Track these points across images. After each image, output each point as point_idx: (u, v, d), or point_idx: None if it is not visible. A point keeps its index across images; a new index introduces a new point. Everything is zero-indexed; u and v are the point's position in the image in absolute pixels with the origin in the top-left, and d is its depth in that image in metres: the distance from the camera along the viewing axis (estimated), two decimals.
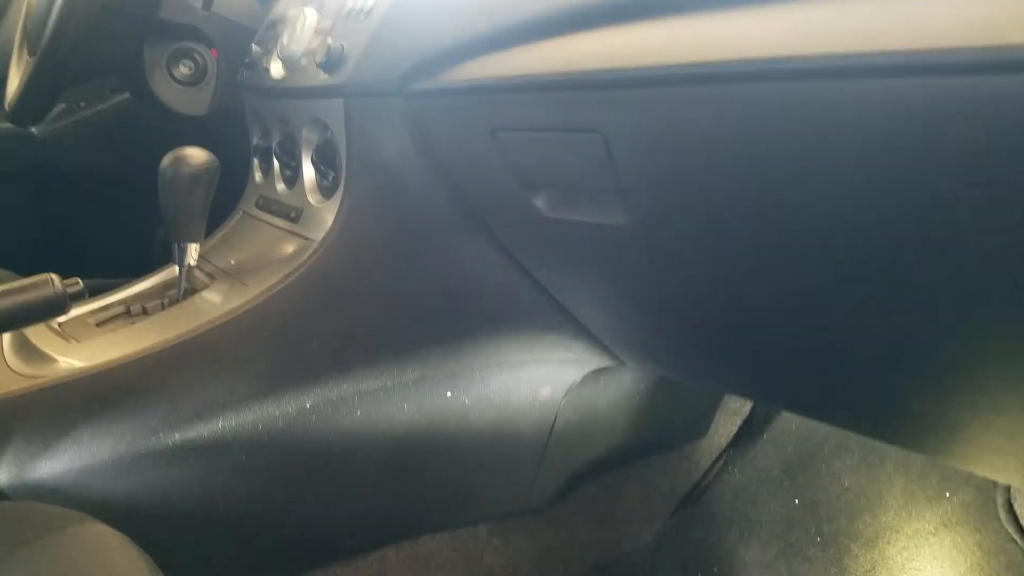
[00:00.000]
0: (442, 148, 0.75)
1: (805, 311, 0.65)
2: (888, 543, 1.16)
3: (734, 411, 1.43)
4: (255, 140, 1.02)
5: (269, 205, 0.95)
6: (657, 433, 1.25)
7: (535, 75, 0.63)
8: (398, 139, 0.76)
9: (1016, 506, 1.07)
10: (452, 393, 0.97)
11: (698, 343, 0.83)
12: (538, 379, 1.01)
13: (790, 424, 1.39)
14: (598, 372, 1.04)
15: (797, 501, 1.29)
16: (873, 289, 0.56)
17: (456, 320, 0.93)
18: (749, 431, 1.42)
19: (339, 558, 1.00)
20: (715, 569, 1.26)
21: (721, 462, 1.40)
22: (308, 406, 0.85)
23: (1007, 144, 0.39)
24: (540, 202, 0.72)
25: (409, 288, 0.88)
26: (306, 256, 0.82)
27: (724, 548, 1.28)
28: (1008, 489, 1.09)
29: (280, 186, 0.95)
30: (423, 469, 1.02)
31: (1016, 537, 1.04)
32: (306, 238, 0.85)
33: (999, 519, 1.07)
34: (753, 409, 1.45)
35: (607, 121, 0.59)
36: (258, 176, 1.02)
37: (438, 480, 1.04)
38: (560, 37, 0.62)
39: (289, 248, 0.86)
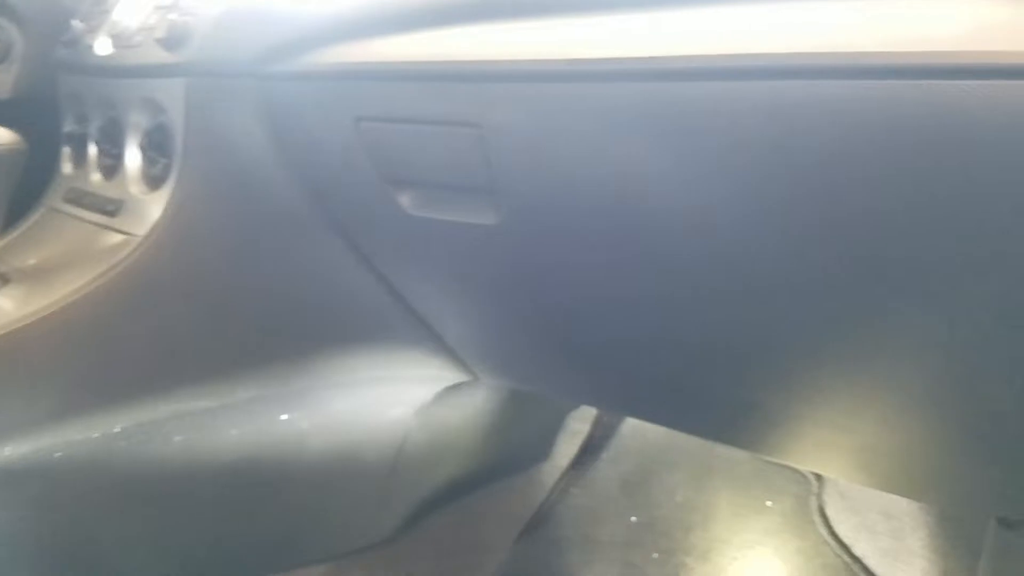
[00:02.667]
0: (297, 137, 0.68)
1: (665, 316, 0.66)
2: (720, 555, 1.21)
3: (574, 432, 1.45)
4: (68, 127, 0.89)
5: (81, 198, 0.82)
6: (503, 456, 1.23)
7: (410, 63, 0.60)
8: (246, 125, 0.69)
9: (827, 511, 1.16)
10: (289, 416, 0.89)
11: (556, 351, 0.82)
12: (388, 398, 0.95)
13: (627, 443, 1.42)
14: (450, 390, 1.00)
15: (635, 519, 1.31)
16: (731, 296, 0.58)
17: (301, 332, 0.85)
18: (589, 452, 1.44)
19: None
20: None
21: (563, 484, 1.40)
22: (117, 430, 0.74)
23: (849, 146, 0.41)
24: (404, 199, 0.68)
25: (247, 293, 0.79)
26: (124, 253, 0.71)
27: (568, 572, 1.27)
28: (820, 496, 1.18)
29: (95, 176, 0.83)
30: (252, 505, 0.92)
31: (829, 540, 1.13)
32: (126, 233, 0.74)
33: (814, 524, 1.16)
34: (592, 430, 1.47)
35: (484, 115, 0.57)
36: (68, 167, 0.89)
37: (271, 518, 0.94)
38: (438, 28, 0.59)
39: (103, 245, 0.75)
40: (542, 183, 0.58)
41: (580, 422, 1.45)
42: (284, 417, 0.89)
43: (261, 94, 0.67)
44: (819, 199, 0.45)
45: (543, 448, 1.34)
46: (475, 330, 0.86)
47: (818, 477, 1.20)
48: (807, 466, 0.96)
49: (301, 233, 0.76)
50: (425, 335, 0.89)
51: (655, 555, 1.25)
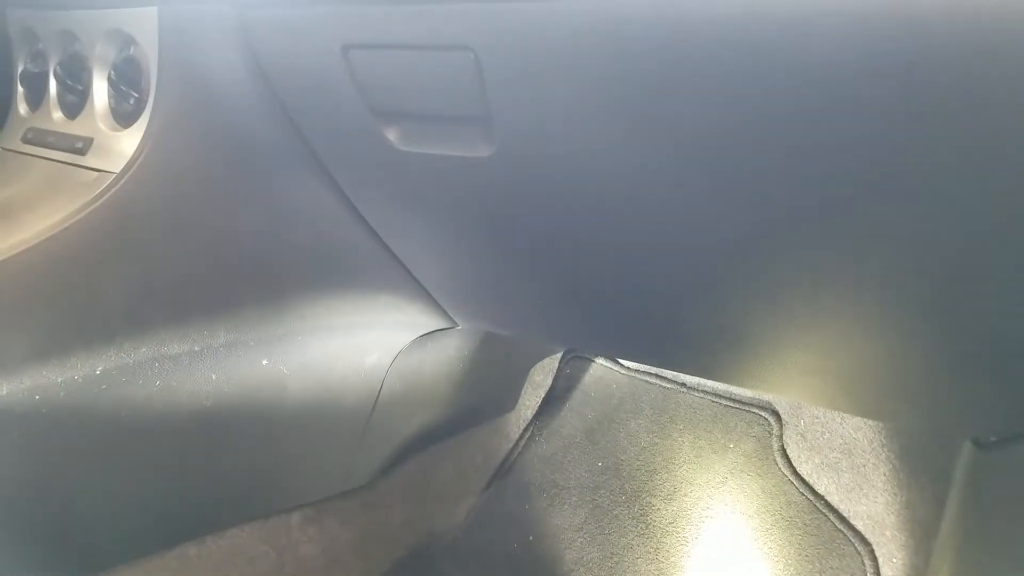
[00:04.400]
0: (280, 67, 0.67)
1: (647, 250, 0.67)
2: (684, 495, 1.25)
3: (537, 384, 1.47)
4: (22, 65, 0.84)
5: (43, 138, 0.79)
6: (473, 404, 1.24)
7: None
8: (225, 55, 0.66)
9: (788, 451, 1.21)
10: (269, 361, 0.88)
11: (539, 292, 0.83)
12: (366, 344, 0.95)
13: (589, 392, 1.45)
14: (426, 336, 1.01)
15: (600, 464, 1.35)
16: (707, 227, 0.59)
17: (281, 275, 0.83)
18: (552, 402, 1.47)
19: (130, 557, 0.85)
20: (530, 537, 1.28)
21: (528, 433, 1.43)
22: (98, 372, 0.72)
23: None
24: (393, 134, 0.67)
25: (226, 233, 0.77)
26: (100, 189, 0.69)
27: (536, 516, 1.30)
28: (781, 437, 1.23)
29: (58, 115, 0.80)
30: (233, 450, 0.91)
31: (791, 478, 1.18)
32: (99, 171, 0.71)
33: (776, 464, 1.21)
34: (554, 382, 1.49)
35: (479, 37, 0.56)
36: (23, 108, 0.85)
37: (250, 463, 0.93)
38: None
39: (75, 182, 0.72)
40: (539, 109, 0.58)
41: (543, 375, 1.48)
42: (265, 362, 0.87)
43: (240, 22, 0.65)
44: (792, 123, 0.46)
45: (510, 398, 1.36)
46: (457, 273, 0.86)
47: (778, 419, 1.25)
48: (778, 392, 0.99)
49: (283, 171, 0.74)
50: (405, 280, 0.89)
51: (622, 497, 1.29)
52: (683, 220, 0.61)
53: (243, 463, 0.92)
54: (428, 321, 0.97)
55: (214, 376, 0.83)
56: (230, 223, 0.76)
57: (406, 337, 0.98)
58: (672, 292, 0.72)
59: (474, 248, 0.78)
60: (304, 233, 0.81)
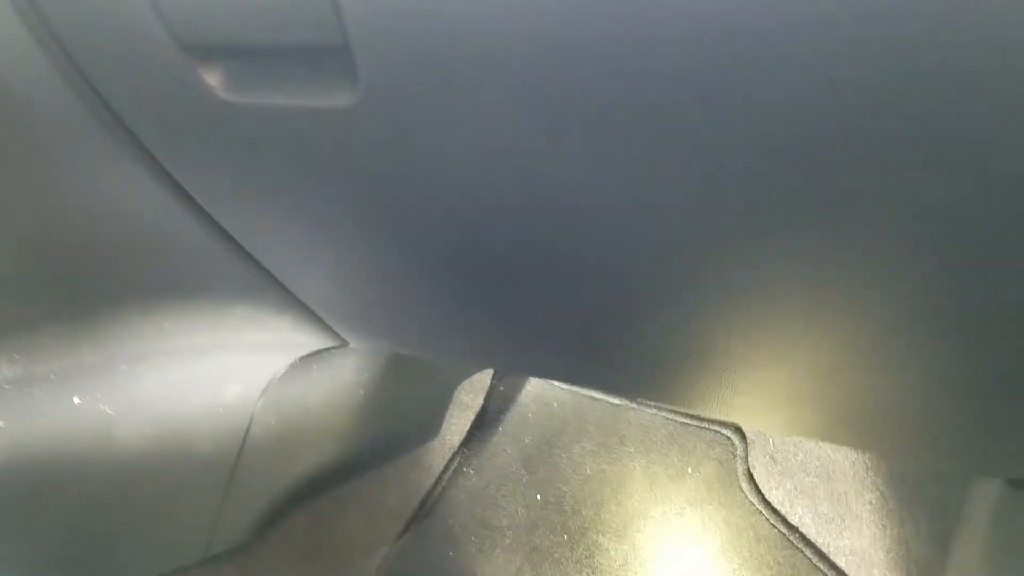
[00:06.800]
0: (61, 8, 0.45)
1: (588, 250, 0.47)
2: (637, 531, 1.06)
3: (465, 406, 1.26)
4: None
5: None
6: (381, 437, 1.02)
7: None
8: None
9: (756, 475, 1.03)
10: (82, 400, 0.65)
11: (445, 299, 0.62)
12: (222, 373, 0.73)
13: (526, 413, 1.25)
14: (309, 358, 0.79)
15: (539, 498, 1.15)
16: (648, 231, 0.41)
17: (92, 281, 0.61)
18: (483, 426, 1.26)
19: None
20: None
21: (454, 465, 1.21)
22: None
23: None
24: (215, 78, 0.46)
25: (12, 224, 0.54)
26: None
27: (463, 566, 1.09)
28: (747, 459, 1.05)
29: None
30: (40, 520, 0.67)
31: (760, 508, 1.00)
32: None
33: (742, 491, 1.03)
34: (486, 403, 1.29)
35: None
36: None
37: (68, 534, 0.70)
38: None
39: None
40: (423, 31, 0.37)
41: (471, 394, 1.27)
42: (77, 401, 0.65)
43: None
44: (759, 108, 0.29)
45: (431, 425, 1.14)
46: (334, 279, 0.64)
47: (742, 438, 1.07)
48: (748, 422, 0.81)
49: (80, 147, 0.52)
50: (268, 287, 0.67)
51: (564, 536, 1.09)
52: (631, 211, 0.41)
53: (56, 536, 0.69)
54: (308, 340, 0.75)
55: (1, 423, 0.60)
56: (15, 211, 0.53)
57: (279, 360, 0.76)
58: (617, 300, 0.52)
59: (350, 244, 0.57)
60: (121, 229, 0.58)
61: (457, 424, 1.24)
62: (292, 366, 0.78)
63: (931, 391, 0.48)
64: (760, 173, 0.35)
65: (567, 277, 0.52)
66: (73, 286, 0.62)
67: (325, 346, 0.77)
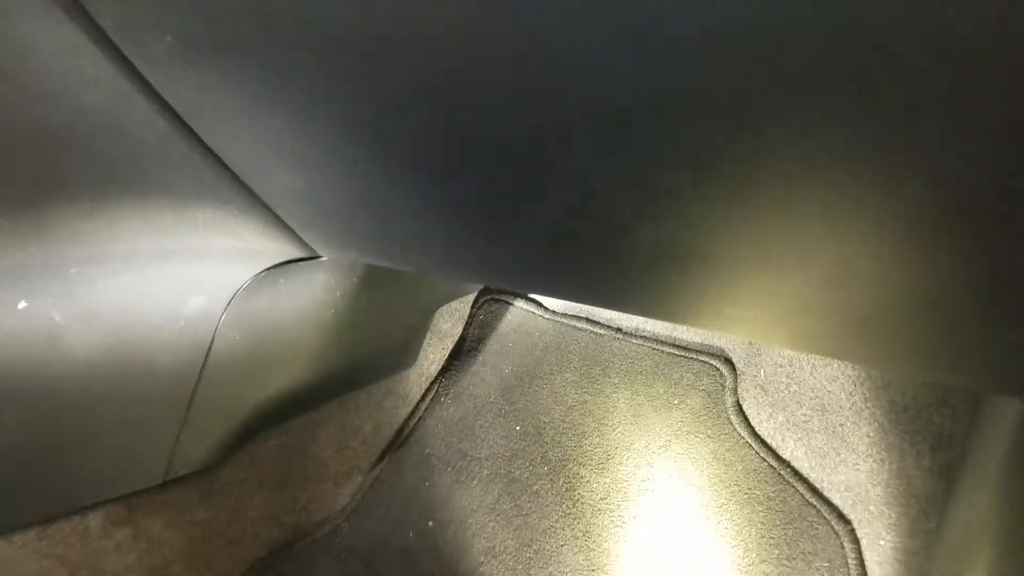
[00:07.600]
0: None
1: (572, 139, 0.41)
2: (620, 464, 1.03)
3: (444, 333, 1.21)
4: None
5: None
6: (355, 362, 0.96)
7: None
8: None
9: (745, 407, 0.99)
10: (29, 303, 0.58)
11: (420, 203, 0.55)
12: (182, 282, 0.66)
13: (506, 341, 1.20)
14: (277, 269, 0.72)
15: (519, 428, 1.11)
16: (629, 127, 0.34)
17: (35, 169, 0.53)
18: (462, 355, 1.21)
19: None
20: (429, 523, 1.03)
21: (432, 394, 1.17)
22: None
23: None
24: None
25: None
26: None
27: (439, 496, 1.06)
28: (736, 391, 1.01)
29: None
30: None
31: (749, 441, 0.96)
32: None
33: (730, 423, 0.99)
34: (465, 330, 1.23)
35: None
36: None
37: (12, 451, 0.64)
38: None
39: None
40: None
41: (450, 321, 1.21)
42: (23, 305, 0.58)
43: None
44: None
45: (407, 352, 1.09)
46: (296, 176, 0.57)
47: (731, 368, 1.03)
48: (740, 334, 0.76)
49: (16, 7, 0.44)
50: (232, 188, 0.60)
51: (544, 468, 1.06)
52: (611, 90, 0.35)
53: (8, 456, 0.63)
54: (276, 248, 0.68)
55: None
56: None
57: (244, 271, 0.69)
58: (610, 202, 0.46)
59: (319, 138, 0.50)
60: (62, 105, 0.50)
61: (435, 352, 1.18)
62: (257, 278, 0.71)
63: (948, 295, 0.43)
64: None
65: (557, 175, 0.46)
66: (12, 173, 0.54)
67: (293, 256, 0.71)
